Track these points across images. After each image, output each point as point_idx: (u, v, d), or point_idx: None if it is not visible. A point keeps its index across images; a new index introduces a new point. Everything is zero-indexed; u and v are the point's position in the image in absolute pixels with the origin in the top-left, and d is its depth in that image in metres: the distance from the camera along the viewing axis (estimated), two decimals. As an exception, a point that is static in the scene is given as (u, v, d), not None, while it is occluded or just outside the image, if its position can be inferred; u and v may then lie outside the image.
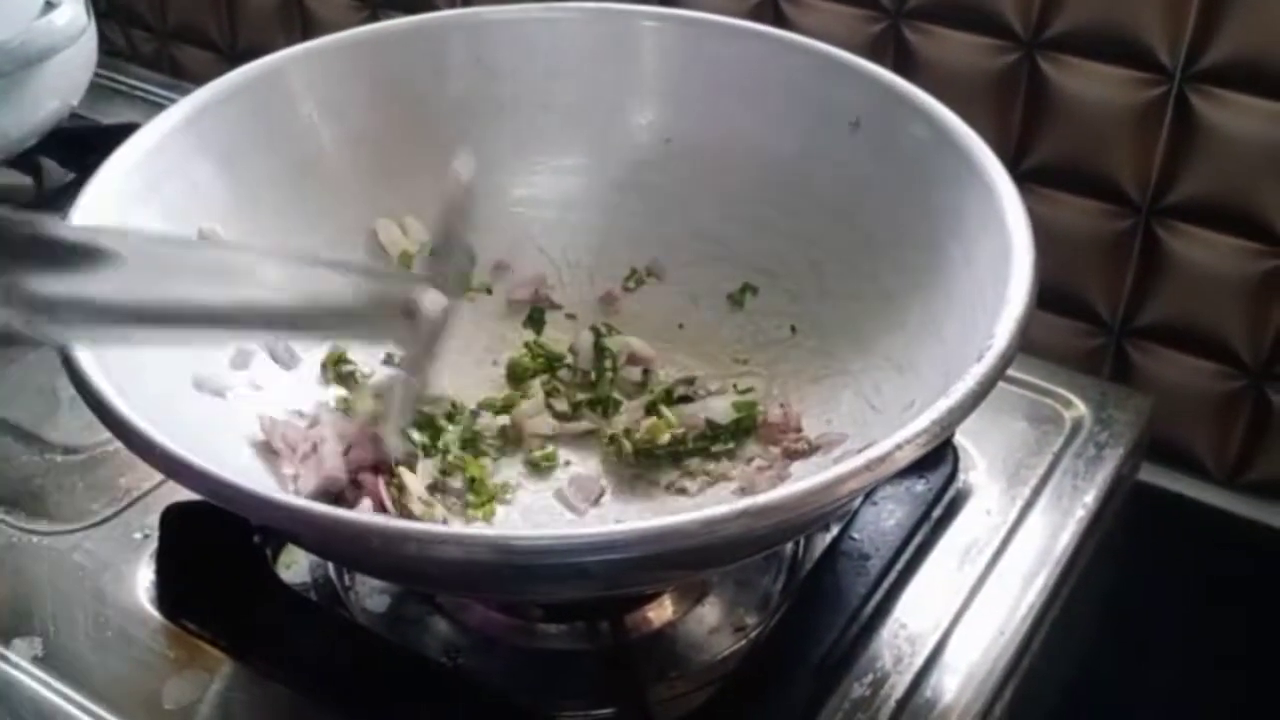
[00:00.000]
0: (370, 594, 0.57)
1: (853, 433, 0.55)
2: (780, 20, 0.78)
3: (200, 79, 1.03)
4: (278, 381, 0.58)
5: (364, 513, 0.50)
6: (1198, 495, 0.75)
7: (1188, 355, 0.74)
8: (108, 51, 0.86)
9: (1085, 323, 0.76)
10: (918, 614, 0.55)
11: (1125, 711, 0.79)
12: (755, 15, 0.78)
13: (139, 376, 0.46)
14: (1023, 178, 0.74)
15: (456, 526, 0.52)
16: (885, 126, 0.59)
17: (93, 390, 0.44)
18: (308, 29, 0.98)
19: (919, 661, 0.53)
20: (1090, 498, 0.61)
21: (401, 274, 0.60)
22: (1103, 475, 0.62)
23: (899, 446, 0.42)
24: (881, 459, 0.41)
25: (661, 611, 0.55)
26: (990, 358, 0.45)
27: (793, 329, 0.62)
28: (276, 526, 0.51)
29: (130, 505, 0.61)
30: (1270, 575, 0.74)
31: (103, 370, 0.45)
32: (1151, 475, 0.72)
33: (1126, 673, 0.77)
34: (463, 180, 0.51)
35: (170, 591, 0.56)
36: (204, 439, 0.48)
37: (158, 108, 0.92)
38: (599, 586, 0.47)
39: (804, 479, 0.41)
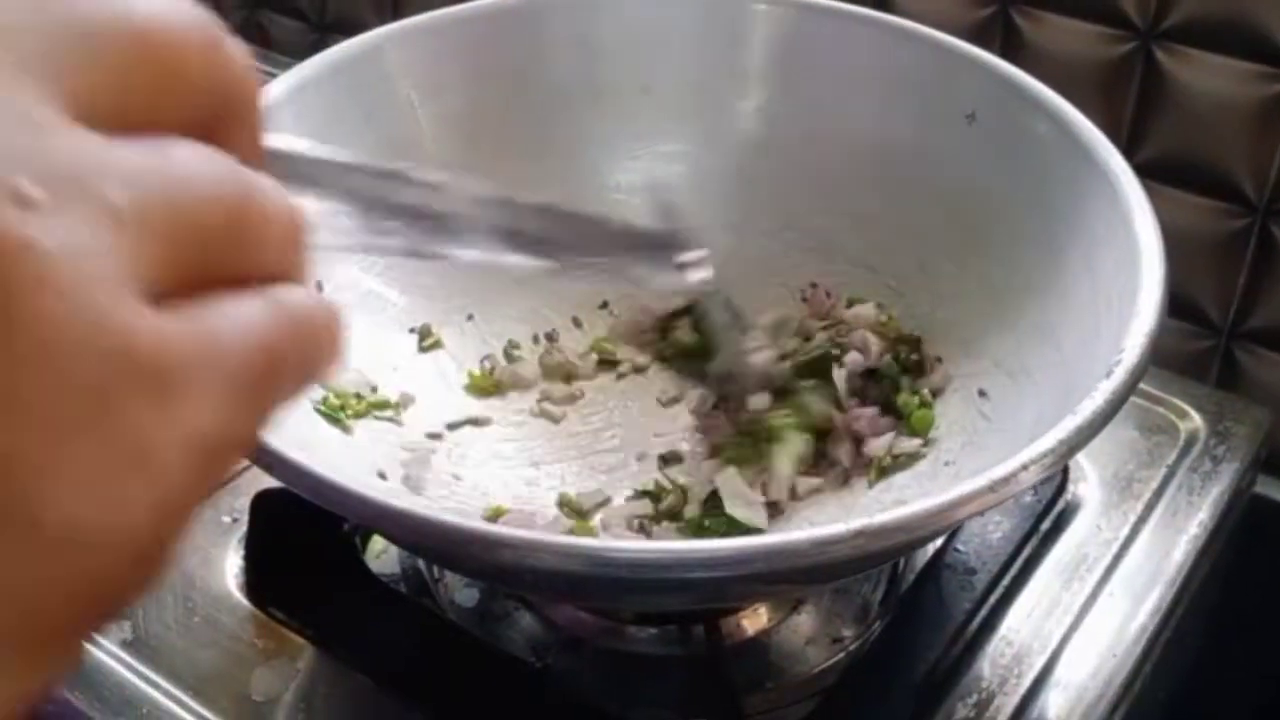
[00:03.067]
0: (459, 588, 0.56)
1: (964, 440, 0.53)
2: (886, 3, 0.76)
3: (289, 48, 1.04)
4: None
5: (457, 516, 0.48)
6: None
7: (1299, 360, 0.72)
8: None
9: (1193, 324, 0.74)
10: (1025, 631, 0.53)
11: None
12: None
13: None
14: (1134, 172, 0.71)
15: (554, 534, 0.51)
16: (1003, 121, 0.57)
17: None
18: (399, 2, 0.97)
19: (1026, 682, 0.51)
20: (1205, 514, 0.59)
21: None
22: (1218, 490, 0.60)
23: (1024, 467, 0.40)
24: (1005, 480, 0.39)
25: (756, 619, 0.54)
26: (1120, 373, 0.43)
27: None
28: (368, 526, 0.50)
29: (220, 487, 0.60)
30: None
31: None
32: (1262, 486, 0.69)
33: (1228, 689, 0.75)
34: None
35: (258, 579, 0.55)
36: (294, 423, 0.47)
37: (250, 79, 0.92)
38: (700, 600, 0.46)
39: (922, 500, 0.39)
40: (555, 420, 0.60)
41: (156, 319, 0.18)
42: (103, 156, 0.18)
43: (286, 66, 0.89)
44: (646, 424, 0.60)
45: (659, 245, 0.45)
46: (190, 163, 0.20)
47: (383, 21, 0.97)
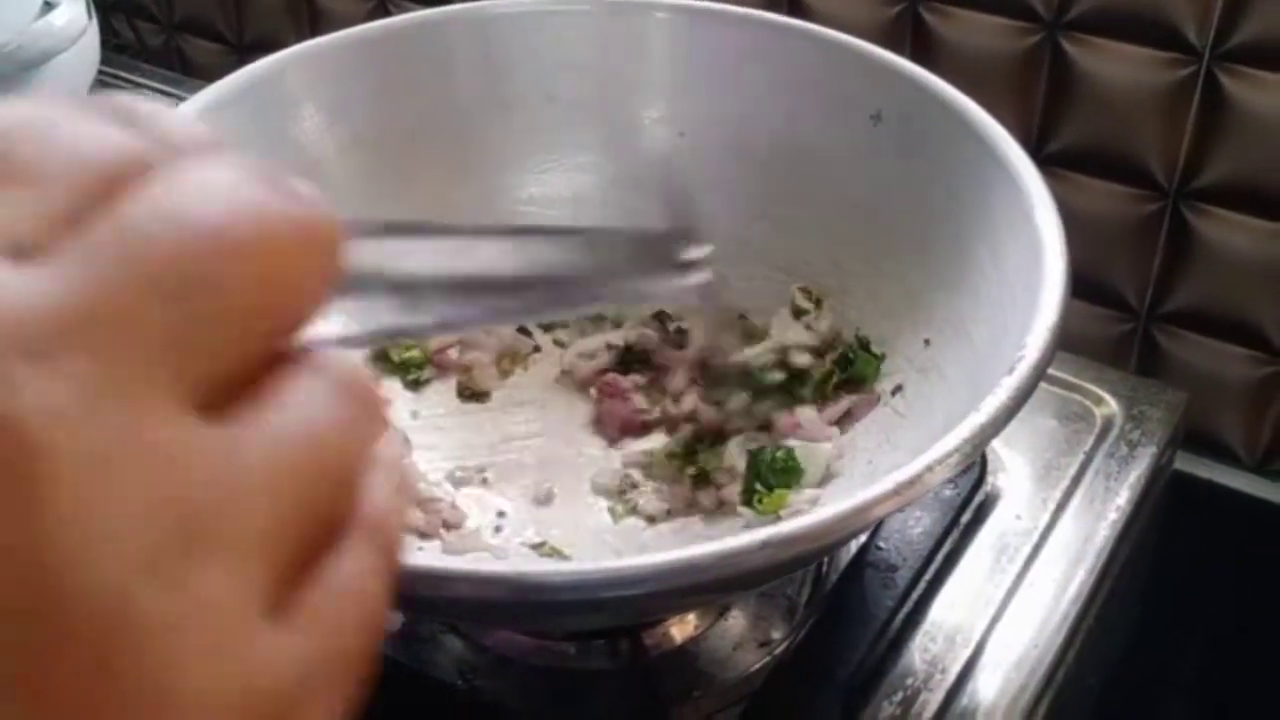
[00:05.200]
0: (385, 613, 0.55)
1: (879, 440, 0.53)
2: (796, 4, 0.76)
3: (209, 72, 1.02)
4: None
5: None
6: (1228, 482, 0.74)
7: (1217, 340, 0.73)
8: (114, 46, 0.85)
9: (1112, 309, 0.75)
10: (949, 625, 0.54)
11: (1158, 706, 0.77)
12: (769, 1, 0.76)
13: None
14: (1046, 162, 0.72)
15: (469, 561, 0.51)
16: (908, 120, 0.57)
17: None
18: (316, 20, 0.96)
19: (951, 677, 0.51)
20: (1124, 498, 0.59)
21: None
22: (1136, 474, 0.60)
23: (929, 468, 0.40)
24: (911, 482, 0.40)
25: (684, 627, 0.54)
26: (1023, 369, 0.43)
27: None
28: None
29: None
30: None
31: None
32: (1181, 462, 0.70)
33: (1161, 666, 0.76)
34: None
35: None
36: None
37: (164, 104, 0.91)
38: (617, 617, 0.46)
39: (830, 506, 0.39)
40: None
41: (275, 638, 0.18)
42: (233, 481, 0.18)
43: (203, 89, 0.89)
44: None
45: (659, 248, 0.42)
46: (315, 450, 0.19)
47: (301, 41, 0.97)
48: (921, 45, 0.73)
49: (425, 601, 0.44)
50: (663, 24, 0.62)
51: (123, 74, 0.94)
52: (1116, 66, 0.69)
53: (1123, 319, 0.75)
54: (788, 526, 0.39)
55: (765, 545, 0.38)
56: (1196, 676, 0.77)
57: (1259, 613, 0.74)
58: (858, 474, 0.52)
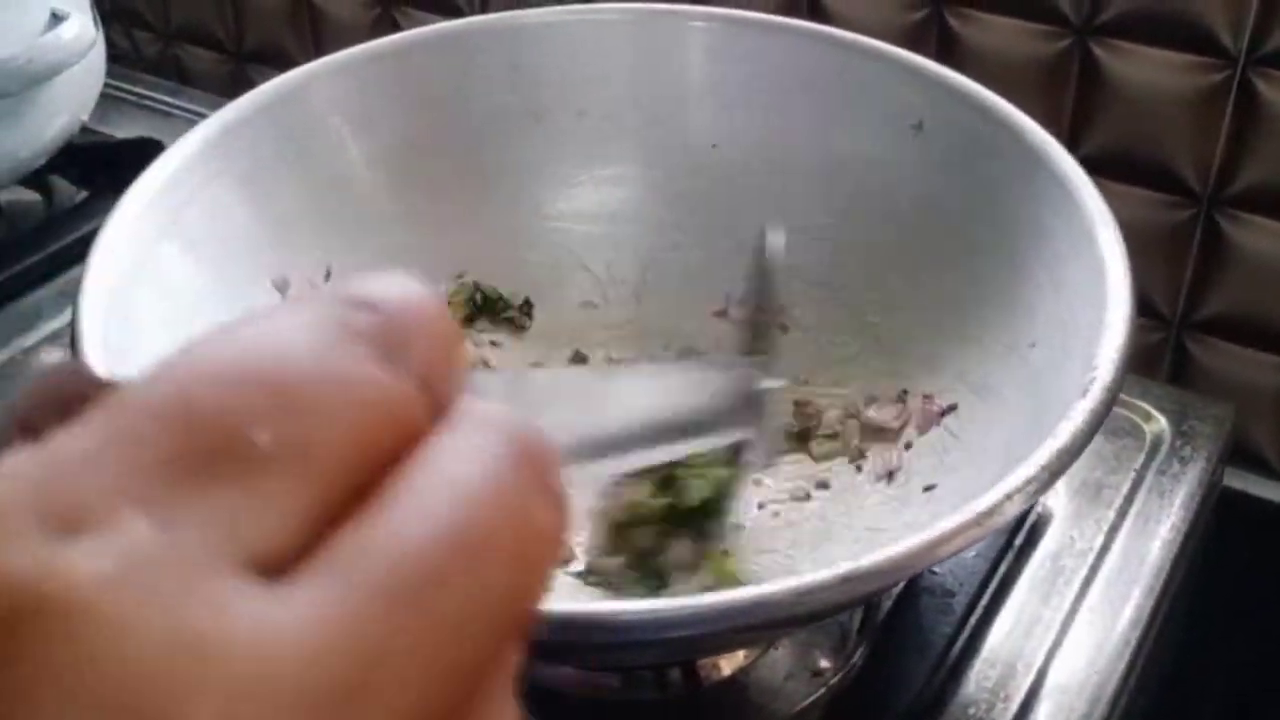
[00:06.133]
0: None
1: (934, 462, 0.52)
2: (816, 6, 0.75)
3: (208, 81, 1.01)
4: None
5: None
6: (1261, 492, 0.73)
7: (1251, 349, 0.72)
8: (112, 56, 0.83)
9: (1143, 316, 0.73)
10: (1007, 651, 0.52)
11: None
12: (791, 5, 0.75)
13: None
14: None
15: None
16: (951, 130, 0.56)
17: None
18: (317, 27, 0.95)
19: (1014, 706, 0.50)
20: (1176, 516, 0.58)
21: (733, 359, 0.54)
22: (1187, 491, 0.59)
23: (1008, 497, 0.39)
24: (990, 512, 0.38)
25: (733, 658, 0.52)
26: (1097, 391, 0.42)
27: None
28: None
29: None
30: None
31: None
32: (1226, 478, 0.69)
33: (1203, 683, 0.75)
34: (771, 250, 0.47)
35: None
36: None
37: (167, 117, 0.90)
38: (676, 653, 0.44)
39: (907, 540, 0.38)
40: None
41: None
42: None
43: (204, 100, 0.88)
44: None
45: (742, 380, 0.36)
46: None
47: (303, 50, 0.95)
48: (946, 50, 0.72)
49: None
50: (697, 33, 0.61)
51: (125, 86, 0.92)
52: (1149, 71, 0.68)
53: (1155, 327, 0.74)
54: (866, 561, 0.37)
55: (847, 580, 0.36)
56: (1239, 694, 0.76)
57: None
58: (914, 499, 0.50)
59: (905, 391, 0.55)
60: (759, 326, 0.46)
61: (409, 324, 0.17)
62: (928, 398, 0.54)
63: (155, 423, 0.15)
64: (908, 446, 0.53)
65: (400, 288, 0.18)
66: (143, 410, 0.16)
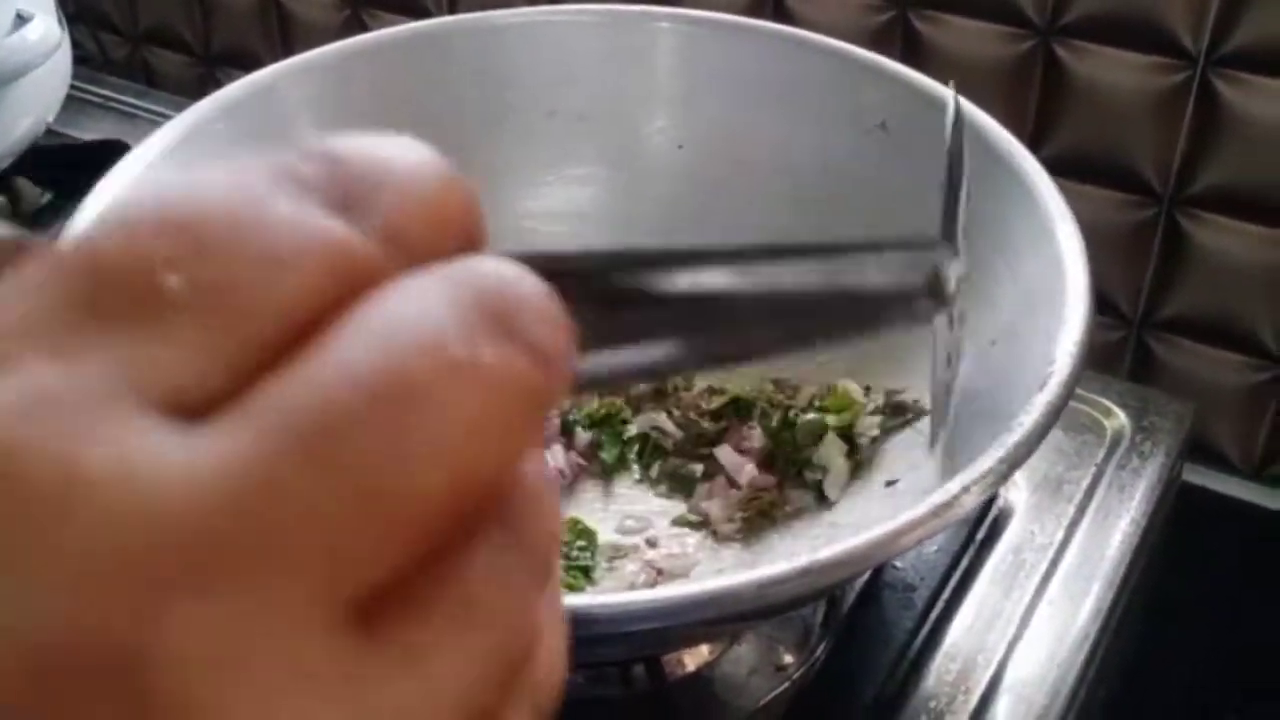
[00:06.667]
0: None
1: (900, 458, 0.52)
2: (781, 8, 0.75)
3: (176, 83, 1.01)
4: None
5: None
6: (1223, 489, 0.74)
7: (1211, 347, 0.72)
8: (79, 59, 0.83)
9: (1105, 315, 0.74)
10: (969, 645, 0.53)
11: (1162, 712, 0.77)
12: (756, 7, 0.75)
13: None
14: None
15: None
16: (916, 129, 0.56)
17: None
18: (286, 29, 0.94)
19: (975, 698, 0.50)
20: (1136, 511, 0.59)
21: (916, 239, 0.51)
22: (1146, 486, 0.60)
23: (965, 489, 0.39)
24: (949, 504, 0.39)
25: (697, 654, 0.52)
26: (1054, 386, 0.42)
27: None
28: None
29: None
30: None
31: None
32: (1186, 473, 0.70)
33: (1162, 676, 0.76)
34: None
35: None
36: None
37: (133, 119, 0.90)
38: (641, 649, 0.44)
39: (867, 531, 0.38)
40: None
41: None
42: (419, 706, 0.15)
43: (171, 103, 0.87)
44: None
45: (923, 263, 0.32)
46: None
47: (272, 52, 0.95)
48: (912, 52, 0.73)
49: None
50: (665, 34, 0.61)
51: (91, 88, 0.91)
52: (1111, 72, 0.69)
53: (1117, 326, 0.74)
54: (826, 553, 0.37)
55: (805, 573, 0.37)
56: (1198, 686, 0.77)
57: (1257, 619, 0.74)
58: (876, 493, 0.51)
59: (868, 388, 0.56)
60: (948, 205, 0.43)
61: (377, 178, 0.16)
62: (892, 393, 0.55)
63: (65, 272, 0.15)
64: (873, 441, 0.54)
65: (390, 149, 0.17)
66: (57, 262, 0.15)
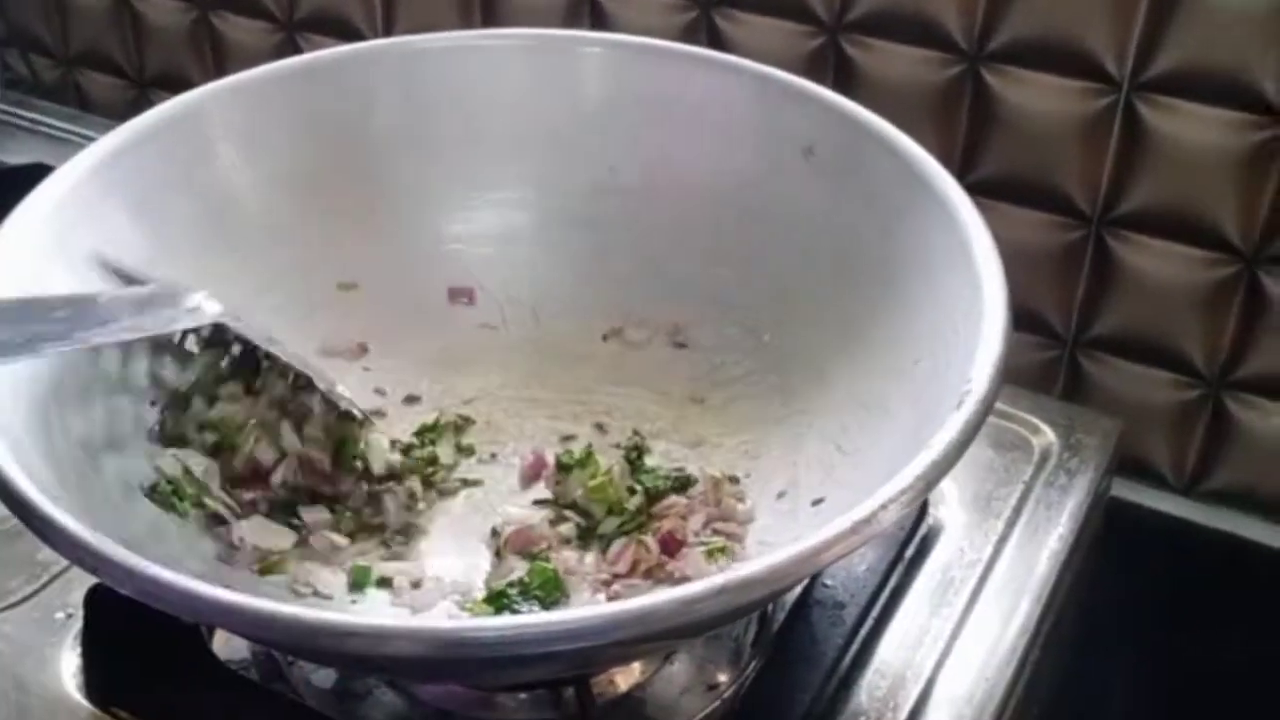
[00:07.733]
0: (315, 670, 0.53)
1: (821, 477, 0.52)
2: (714, 35, 0.76)
3: (109, 107, 1.00)
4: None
5: (307, 607, 0.46)
6: (1156, 505, 0.75)
7: (1142, 365, 0.73)
8: (8, 82, 0.82)
9: (1038, 335, 0.75)
10: (898, 661, 0.53)
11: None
12: (689, 30, 0.76)
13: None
14: (969, 191, 0.71)
15: (406, 619, 0.49)
16: (841, 155, 0.57)
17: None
18: (219, 53, 0.94)
19: (903, 715, 0.51)
20: (1064, 527, 0.59)
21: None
22: (1074, 502, 0.61)
23: (884, 506, 0.39)
24: (867, 520, 0.39)
25: (629, 674, 0.52)
26: (971, 404, 0.43)
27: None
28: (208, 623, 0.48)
29: (50, 582, 0.56)
30: (1233, 584, 0.73)
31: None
32: (1115, 488, 0.70)
33: (1096, 691, 0.76)
34: None
35: (99, 677, 0.52)
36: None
37: (63, 143, 0.89)
38: (567, 669, 0.44)
39: (785, 547, 0.38)
40: None
41: None
42: None
43: (102, 126, 0.86)
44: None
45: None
46: None
47: (205, 75, 0.94)
48: (844, 77, 0.73)
49: (357, 658, 0.42)
50: (592, 59, 0.62)
51: (19, 112, 0.90)
52: (1037, 97, 0.69)
53: (1049, 346, 0.75)
54: (744, 570, 0.38)
55: (723, 591, 0.37)
56: (1131, 699, 0.78)
57: (1189, 634, 0.75)
58: (803, 514, 0.51)
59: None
60: None
61: None
62: None
63: None
64: (794, 464, 0.54)
65: None
66: None
